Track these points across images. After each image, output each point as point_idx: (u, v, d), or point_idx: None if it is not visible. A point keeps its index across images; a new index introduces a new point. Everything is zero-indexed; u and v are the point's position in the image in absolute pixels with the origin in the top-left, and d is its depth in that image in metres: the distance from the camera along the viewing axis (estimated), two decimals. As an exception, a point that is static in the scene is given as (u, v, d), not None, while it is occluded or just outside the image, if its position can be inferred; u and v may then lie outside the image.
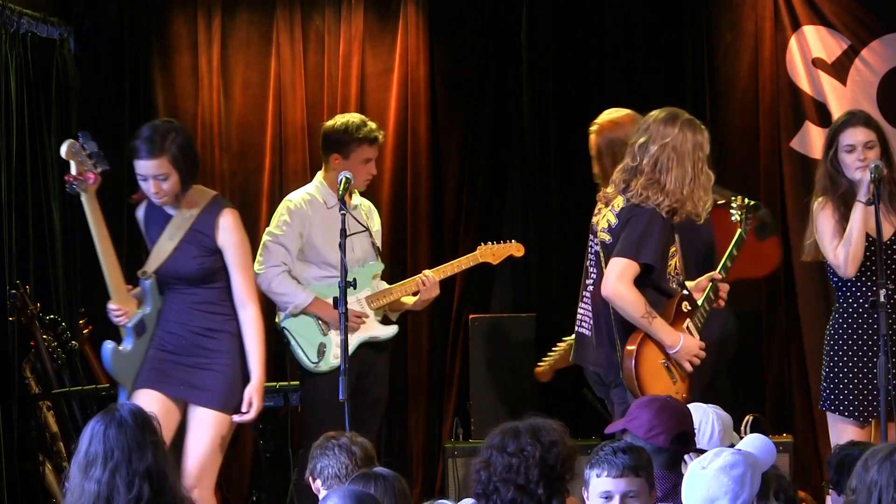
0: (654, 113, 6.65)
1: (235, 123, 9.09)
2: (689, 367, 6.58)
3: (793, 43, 8.79)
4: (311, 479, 5.27)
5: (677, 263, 6.69)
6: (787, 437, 8.21)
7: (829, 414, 6.79)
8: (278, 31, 9.07)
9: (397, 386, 9.00)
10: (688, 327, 6.65)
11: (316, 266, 7.51)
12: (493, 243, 7.89)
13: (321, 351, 7.41)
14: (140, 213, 6.72)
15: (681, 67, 8.98)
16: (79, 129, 8.86)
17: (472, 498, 4.89)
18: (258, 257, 7.49)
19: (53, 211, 8.43)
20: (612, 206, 6.61)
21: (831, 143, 6.78)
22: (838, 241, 6.69)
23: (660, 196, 6.51)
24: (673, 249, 6.64)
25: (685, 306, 6.64)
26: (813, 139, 8.74)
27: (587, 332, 6.68)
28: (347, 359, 6.52)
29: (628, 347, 6.51)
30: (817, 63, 8.76)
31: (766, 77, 8.85)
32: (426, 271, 7.72)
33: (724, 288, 6.85)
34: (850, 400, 6.70)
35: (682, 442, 4.94)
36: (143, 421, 4.51)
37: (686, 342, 6.56)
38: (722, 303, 6.86)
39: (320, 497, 5.11)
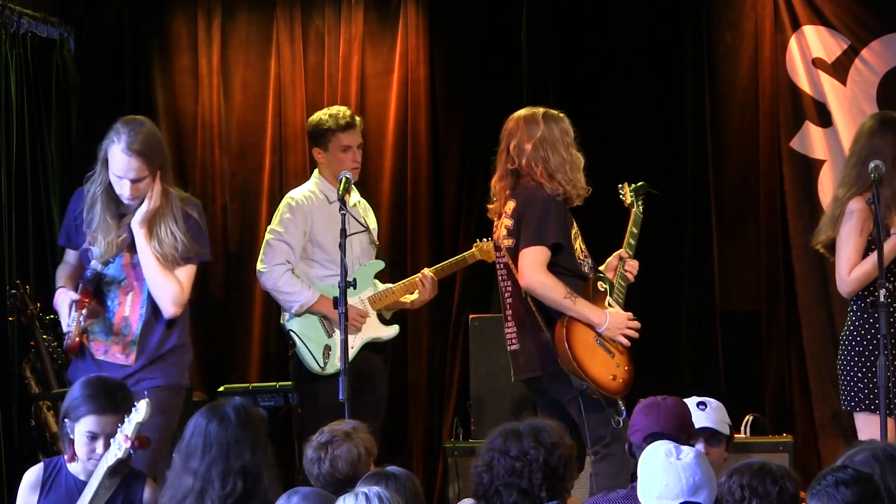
0: (514, 116, 6.82)
1: (235, 123, 9.09)
2: (625, 342, 6.66)
3: (793, 43, 8.79)
4: None
5: (581, 246, 6.78)
6: (787, 437, 8.21)
7: (860, 414, 6.69)
8: (278, 31, 9.07)
9: (397, 386, 9.00)
10: (609, 304, 6.74)
11: (320, 265, 7.51)
12: (488, 240, 7.89)
13: (326, 353, 7.40)
14: (36, 475, 5.44)
15: (681, 67, 8.98)
16: (79, 129, 8.89)
17: (471, 498, 4.88)
18: (261, 256, 7.49)
19: (53, 211, 8.43)
20: (505, 212, 6.73)
21: None
22: (857, 259, 6.63)
23: (551, 184, 6.65)
24: (574, 232, 6.74)
25: (600, 286, 6.75)
26: (813, 139, 8.74)
27: (517, 347, 6.73)
28: (347, 359, 6.51)
29: (556, 332, 6.56)
30: (817, 63, 8.76)
31: (766, 77, 8.85)
32: (425, 270, 7.73)
33: (633, 264, 6.94)
34: (890, 397, 6.62)
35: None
36: (245, 418, 4.57)
37: (612, 317, 6.64)
38: (631, 277, 6.93)
39: None
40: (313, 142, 7.65)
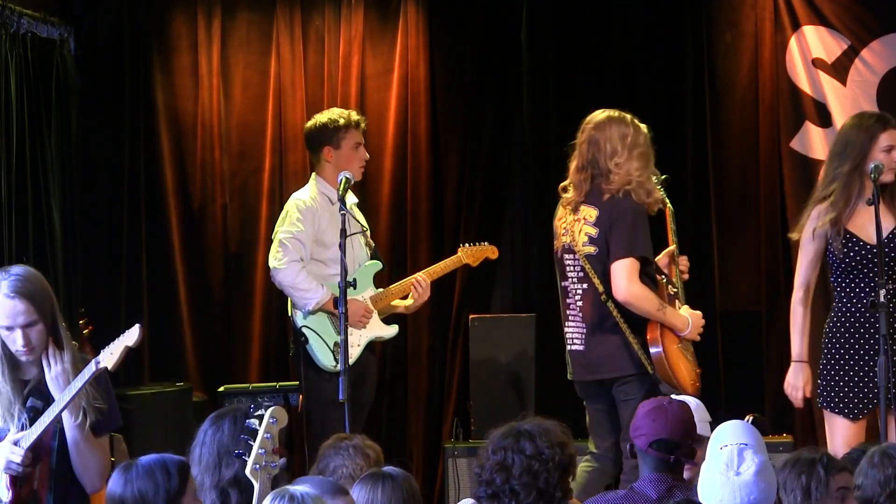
0: (602, 113, 6.87)
1: (235, 123, 9.09)
2: (698, 339, 6.90)
3: (793, 43, 8.79)
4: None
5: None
6: (787, 437, 8.22)
7: (824, 411, 6.80)
8: (278, 31, 9.07)
9: (397, 386, 9.01)
10: (677, 307, 6.91)
11: (325, 264, 7.51)
12: (470, 245, 7.96)
13: (336, 350, 7.40)
14: None
15: (681, 67, 8.98)
16: (79, 129, 8.90)
17: (471, 498, 4.87)
18: (275, 254, 7.48)
19: (53, 211, 8.43)
20: (584, 218, 6.76)
21: (867, 146, 6.66)
22: (810, 275, 6.77)
23: (636, 193, 6.71)
24: None
25: (670, 289, 6.88)
26: (813, 139, 8.74)
27: (582, 348, 6.76)
28: (347, 359, 6.51)
29: (650, 337, 6.69)
30: (817, 63, 8.76)
31: (766, 77, 8.85)
32: (418, 274, 7.77)
33: (684, 260, 7.12)
34: (843, 396, 6.69)
35: (664, 448, 4.92)
36: (241, 429, 4.50)
37: (693, 319, 6.84)
38: (686, 274, 7.11)
39: None
40: (323, 141, 7.63)
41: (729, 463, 4.39)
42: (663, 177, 7.09)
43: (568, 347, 6.89)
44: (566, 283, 6.87)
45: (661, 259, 6.99)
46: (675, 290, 6.89)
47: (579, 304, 6.80)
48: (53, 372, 5.22)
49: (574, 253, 6.79)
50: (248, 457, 4.43)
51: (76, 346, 5.46)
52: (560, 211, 6.93)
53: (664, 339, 6.67)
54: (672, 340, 6.73)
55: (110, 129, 8.98)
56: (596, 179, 6.76)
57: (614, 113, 6.86)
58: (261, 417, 4.51)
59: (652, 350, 6.65)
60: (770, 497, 4.39)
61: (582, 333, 6.78)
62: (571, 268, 6.83)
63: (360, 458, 5.14)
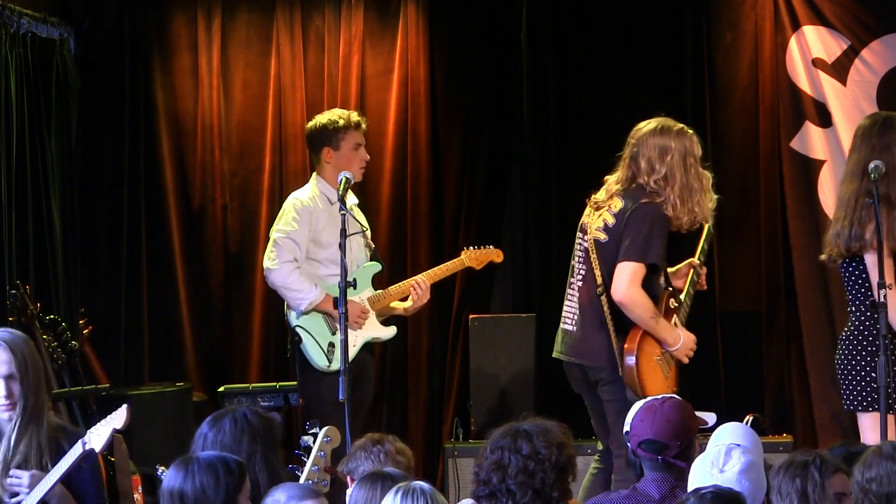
0: (645, 125, 6.84)
1: (235, 123, 9.09)
2: (685, 361, 6.80)
3: (793, 43, 8.79)
4: (349, 478, 5.20)
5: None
6: (787, 437, 8.23)
7: (867, 414, 6.59)
8: (278, 31, 9.07)
9: (397, 386, 9.01)
10: (675, 323, 6.82)
11: (321, 264, 7.53)
12: (474, 248, 7.96)
13: (331, 350, 7.42)
14: None
15: (681, 67, 8.98)
16: (79, 129, 8.90)
17: (471, 498, 4.87)
18: (269, 254, 7.51)
19: (53, 211, 8.43)
20: (609, 206, 6.74)
21: None
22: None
23: (671, 207, 6.71)
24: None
25: (672, 303, 6.82)
26: (813, 139, 8.74)
27: (572, 329, 6.78)
28: (347, 359, 6.52)
29: (628, 346, 6.62)
30: (817, 63, 8.76)
31: (766, 77, 8.85)
32: (418, 276, 7.77)
33: (703, 271, 7.09)
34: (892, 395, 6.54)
35: (651, 449, 4.89)
36: (242, 429, 4.50)
37: (685, 339, 6.76)
38: (705, 285, 7.09)
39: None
40: (323, 142, 7.66)
41: (715, 460, 4.41)
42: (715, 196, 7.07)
43: (561, 325, 6.90)
44: (573, 262, 6.90)
45: (682, 268, 6.98)
46: (675, 304, 6.83)
47: (578, 284, 6.82)
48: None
49: (585, 233, 6.80)
50: (301, 472, 4.48)
51: (60, 417, 5.30)
52: (594, 197, 6.93)
53: (641, 351, 6.62)
54: (651, 352, 6.67)
55: (110, 129, 8.98)
56: (635, 184, 6.76)
57: (658, 124, 6.82)
58: (315, 436, 4.55)
59: (626, 359, 6.63)
60: (756, 498, 4.39)
61: (576, 317, 6.80)
62: (579, 247, 6.86)
63: (390, 465, 5.10)
